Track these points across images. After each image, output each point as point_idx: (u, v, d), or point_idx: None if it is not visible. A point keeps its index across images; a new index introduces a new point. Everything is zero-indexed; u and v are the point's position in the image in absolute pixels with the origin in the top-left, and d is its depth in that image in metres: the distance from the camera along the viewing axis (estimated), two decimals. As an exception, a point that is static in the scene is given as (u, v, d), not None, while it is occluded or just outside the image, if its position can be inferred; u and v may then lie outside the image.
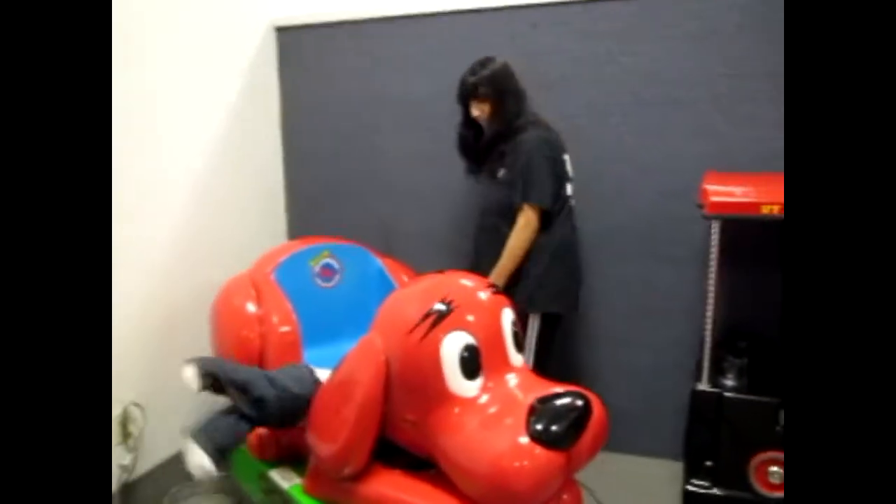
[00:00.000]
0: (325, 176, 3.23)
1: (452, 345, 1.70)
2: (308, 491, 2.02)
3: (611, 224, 2.73)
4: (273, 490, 2.17)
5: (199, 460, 1.84)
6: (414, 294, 1.92)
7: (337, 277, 2.70)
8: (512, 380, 1.76)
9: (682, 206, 2.56)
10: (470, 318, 1.76)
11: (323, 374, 2.10)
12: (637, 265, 2.72)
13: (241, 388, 1.95)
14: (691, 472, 2.15)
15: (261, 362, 2.33)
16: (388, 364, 1.75)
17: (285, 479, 2.15)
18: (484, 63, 2.40)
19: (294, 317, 2.40)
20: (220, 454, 1.88)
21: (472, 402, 1.70)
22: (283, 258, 2.60)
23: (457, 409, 1.69)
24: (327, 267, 2.68)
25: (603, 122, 2.70)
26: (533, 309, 2.37)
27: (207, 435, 1.88)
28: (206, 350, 2.45)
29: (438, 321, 1.72)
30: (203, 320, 2.49)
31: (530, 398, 1.65)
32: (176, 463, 2.58)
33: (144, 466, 2.48)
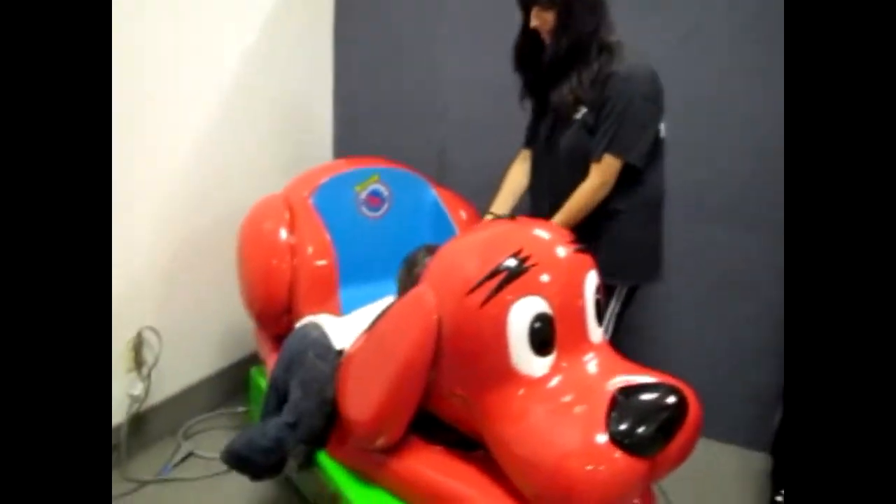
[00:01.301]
0: (379, 90, 2.86)
1: (523, 312, 1.37)
2: (332, 454, 1.75)
3: (696, 179, 2.31)
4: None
5: None
6: (478, 244, 1.56)
7: (385, 207, 2.36)
8: (591, 361, 1.43)
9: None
10: (546, 279, 1.42)
11: (347, 326, 1.83)
12: (722, 228, 2.33)
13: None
14: (782, 482, 1.83)
15: (290, 297, 2.07)
16: (439, 325, 1.43)
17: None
18: None
19: (332, 249, 2.13)
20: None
21: (540, 383, 1.38)
22: (324, 180, 2.26)
23: (521, 391, 1.38)
24: (375, 194, 2.33)
25: (702, 55, 2.26)
26: (623, 279, 1.88)
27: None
28: (231, 275, 2.19)
29: (508, 281, 1.38)
30: (229, 244, 2.20)
31: (612, 387, 1.34)
32: (191, 394, 2.37)
33: (157, 397, 2.25)
